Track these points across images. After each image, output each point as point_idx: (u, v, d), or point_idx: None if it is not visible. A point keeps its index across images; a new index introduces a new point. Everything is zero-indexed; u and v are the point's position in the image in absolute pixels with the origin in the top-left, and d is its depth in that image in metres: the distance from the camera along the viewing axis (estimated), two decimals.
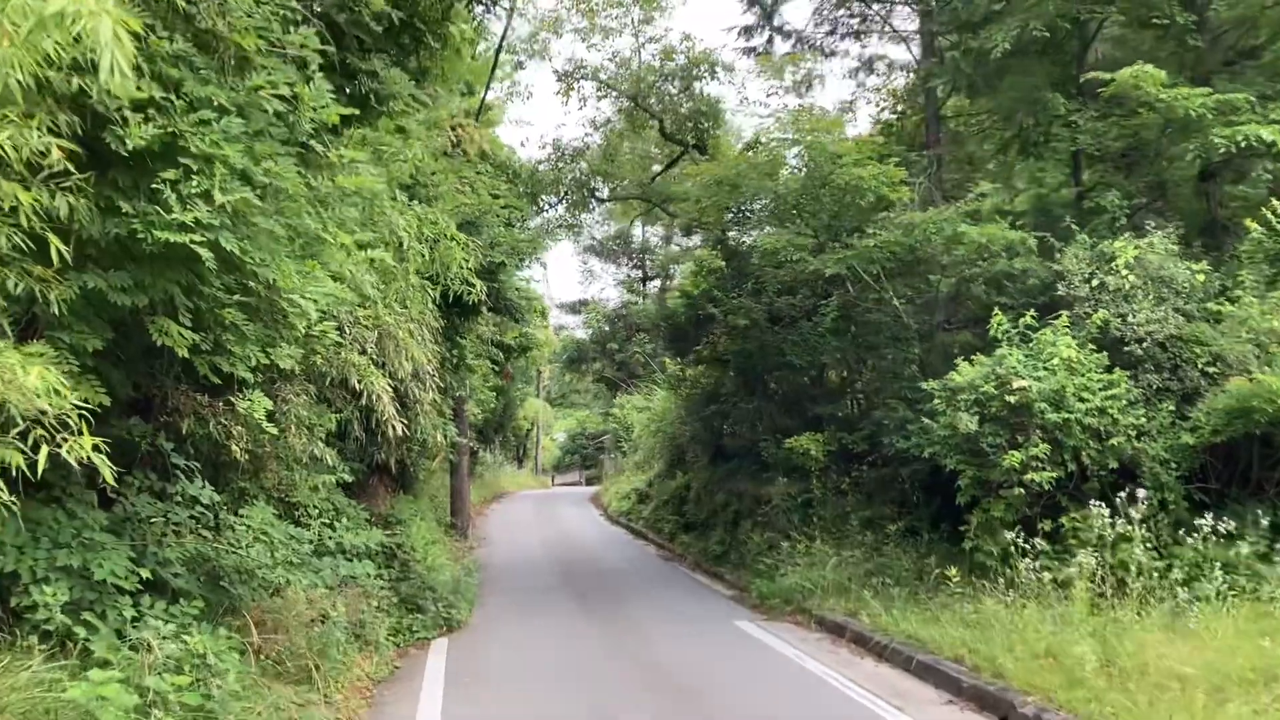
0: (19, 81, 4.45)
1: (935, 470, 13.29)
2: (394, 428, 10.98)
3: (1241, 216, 14.76)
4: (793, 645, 11.65)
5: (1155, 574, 9.61)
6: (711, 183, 17.71)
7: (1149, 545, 9.95)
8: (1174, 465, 11.37)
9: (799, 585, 13.80)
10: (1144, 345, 11.93)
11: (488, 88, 20.95)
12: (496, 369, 24.41)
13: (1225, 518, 9.80)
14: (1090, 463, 11.36)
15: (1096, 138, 14.39)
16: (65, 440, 5.10)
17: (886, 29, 19.73)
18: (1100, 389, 11.52)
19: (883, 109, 21.70)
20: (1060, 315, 12.23)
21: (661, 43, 24.17)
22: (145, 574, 7.22)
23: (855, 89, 28.45)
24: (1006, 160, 17.59)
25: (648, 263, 46.58)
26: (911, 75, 20.29)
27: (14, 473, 5.15)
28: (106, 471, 5.18)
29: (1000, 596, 10.40)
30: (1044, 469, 11.17)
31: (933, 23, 17.14)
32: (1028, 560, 10.31)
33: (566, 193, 24.52)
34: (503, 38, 20.94)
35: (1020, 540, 10.50)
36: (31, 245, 5.63)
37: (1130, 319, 12.06)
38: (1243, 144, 12.34)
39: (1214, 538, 9.76)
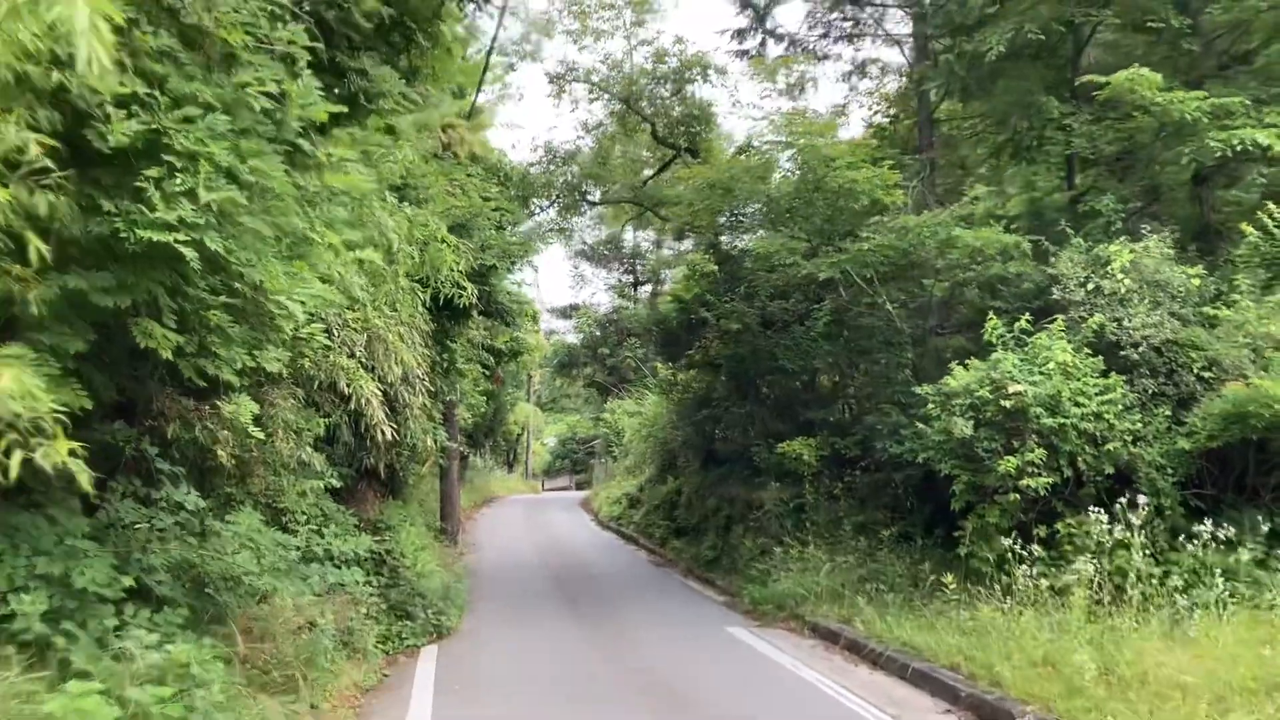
0: None
1: (928, 475, 13.20)
2: (383, 432, 10.83)
3: (1234, 221, 14.73)
4: (786, 652, 11.53)
5: (1154, 581, 9.52)
6: (704, 186, 17.61)
7: (1146, 552, 9.85)
8: (1170, 471, 11.29)
9: (792, 591, 13.67)
10: (1140, 350, 11.85)
11: (479, 89, 20.80)
12: (487, 373, 24.25)
13: (1224, 524, 9.70)
14: (1086, 468, 11.28)
15: (1091, 141, 14.33)
16: (40, 445, 4.94)
17: (879, 32, 19.68)
18: (1096, 394, 11.44)
19: (875, 112, 21.64)
20: (1056, 319, 12.15)
21: (654, 45, 24.14)
22: (128, 582, 7.05)
23: (848, 92, 28.48)
24: (999, 164, 17.53)
25: (639, 267, 46.47)
26: (904, 79, 20.22)
27: None
28: (84, 477, 5.03)
29: (997, 603, 10.30)
30: (1040, 474, 11.08)
31: (926, 25, 17.08)
32: (1024, 567, 10.20)
33: (558, 196, 24.40)
34: (494, 38, 20.87)
35: (1016, 546, 10.39)
36: (10, 244, 5.49)
37: (1126, 323, 11.98)
38: (1238, 148, 12.29)
39: (1213, 544, 9.66)
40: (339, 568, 10.39)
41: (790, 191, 16.39)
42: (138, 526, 7.99)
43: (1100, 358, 11.78)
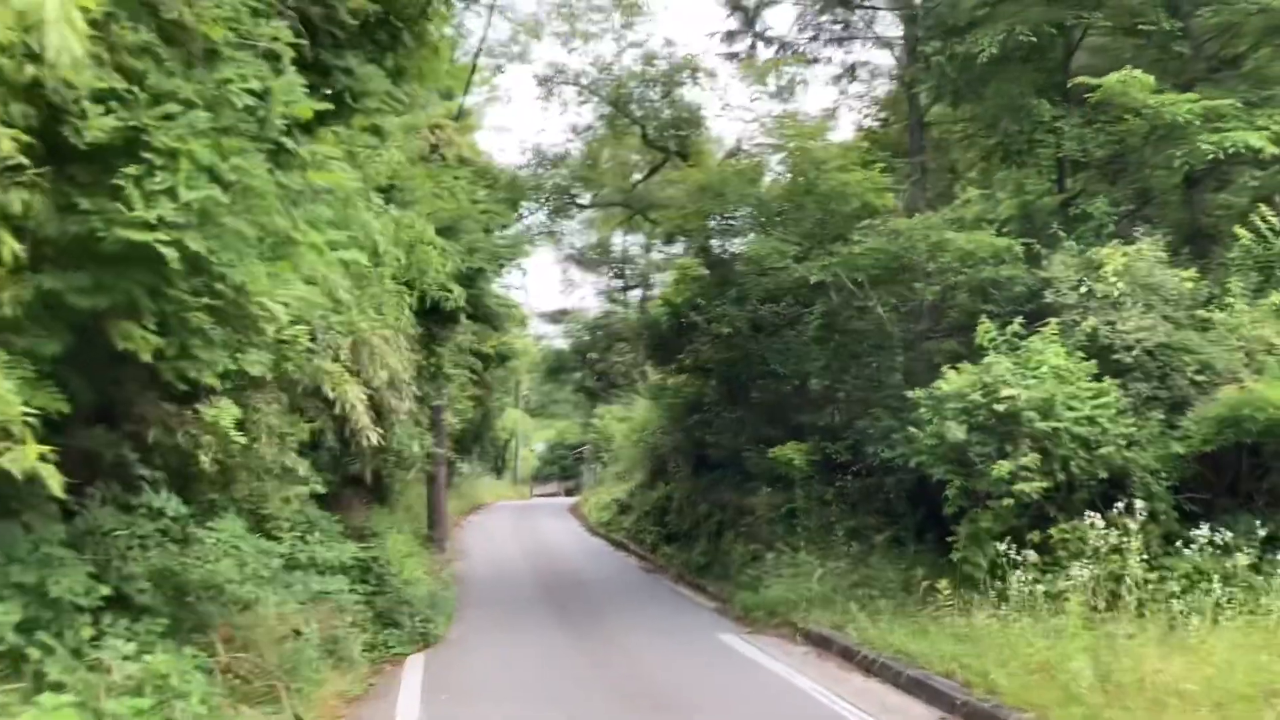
0: None
1: (920, 480, 13.11)
2: (368, 438, 10.68)
3: (1225, 225, 14.71)
4: (778, 659, 11.39)
5: (1149, 586, 9.42)
6: (694, 189, 17.51)
7: (1141, 557, 9.75)
8: (1164, 475, 11.22)
9: (784, 597, 13.54)
10: (1133, 353, 11.78)
11: (466, 91, 20.67)
12: (475, 378, 24.09)
13: (1221, 529, 9.61)
14: (1080, 473, 11.18)
15: (1081, 144, 14.26)
16: (8, 450, 4.77)
17: (870, 35, 19.62)
18: (1089, 397, 11.35)
19: (866, 116, 21.60)
20: (1049, 323, 12.06)
21: (643, 48, 24.03)
22: (105, 590, 6.88)
23: (838, 96, 28.32)
24: (990, 168, 17.47)
25: (628, 272, 46.32)
26: (894, 82, 20.16)
27: None
28: (54, 482, 4.89)
29: (991, 610, 10.18)
30: (1033, 479, 10.97)
31: (917, 28, 17.01)
32: (1019, 573, 10.08)
33: (547, 199, 24.28)
34: (482, 40, 20.73)
35: (1011, 552, 10.27)
36: None
37: (1119, 326, 11.90)
38: (1230, 150, 12.23)
39: (1210, 549, 9.56)
40: (323, 576, 10.22)
41: (781, 194, 16.29)
42: (117, 534, 7.83)
43: (1093, 361, 11.69)
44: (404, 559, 14.21)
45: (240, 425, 8.43)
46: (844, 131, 22.79)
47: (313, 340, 8.91)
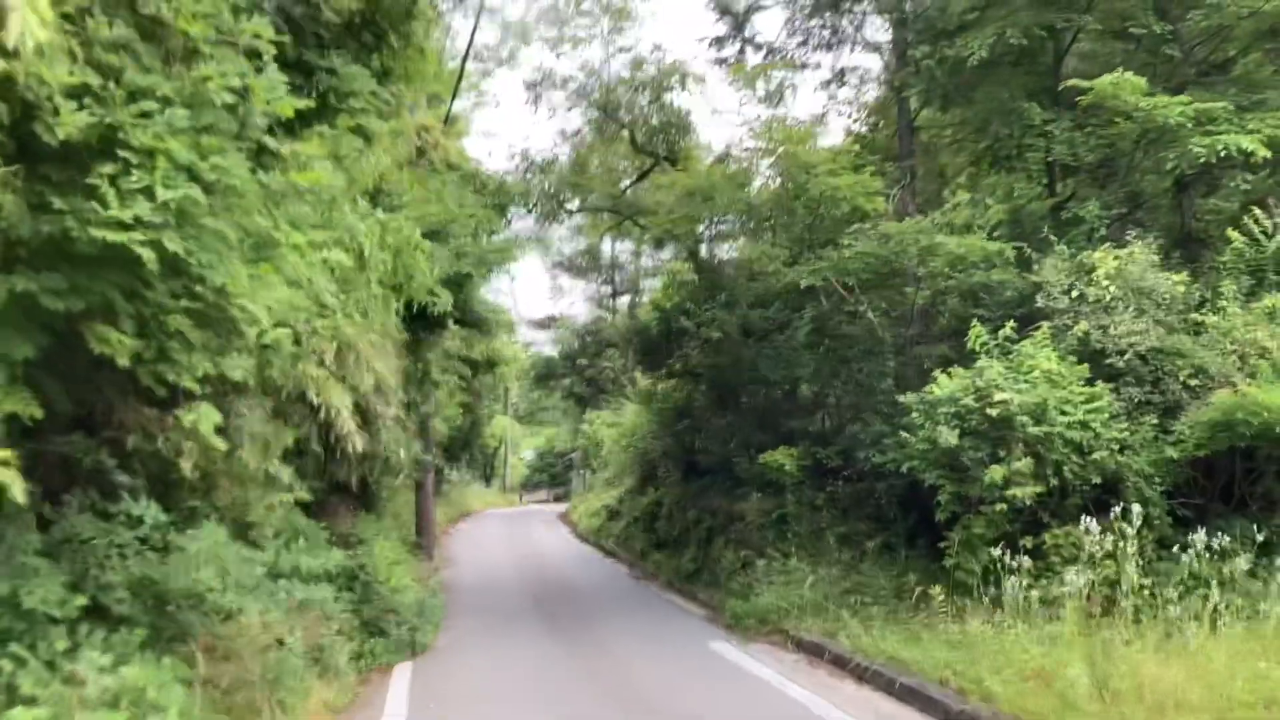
0: None
1: (911, 485, 13.03)
2: (354, 444, 10.51)
3: (1214, 229, 14.68)
4: (770, 667, 11.25)
5: (1145, 592, 9.32)
6: (683, 193, 17.40)
7: (1136, 563, 9.66)
8: (1158, 480, 11.15)
9: (775, 605, 13.40)
10: (1125, 357, 11.71)
11: (455, 96, 20.52)
12: (464, 385, 23.92)
13: (1220, 533, 9.51)
14: (1073, 478, 11.10)
15: (1072, 148, 14.19)
16: None
17: (859, 39, 19.54)
18: (1082, 402, 11.27)
19: (855, 120, 21.55)
20: (1040, 327, 11.99)
21: (632, 53, 23.96)
22: (81, 601, 6.70)
23: (827, 101, 28.24)
24: (979, 172, 17.41)
25: (617, 278, 46.24)
26: (884, 87, 20.11)
27: None
28: (17, 489, 4.71)
29: (984, 616, 10.06)
30: (1026, 484, 10.88)
31: (906, 31, 16.94)
32: (1013, 579, 9.97)
33: (535, 204, 24.14)
34: (470, 43, 20.58)
35: (1005, 558, 10.16)
36: None
37: (1111, 330, 11.83)
38: (1222, 153, 12.17)
39: (1207, 554, 9.46)
40: (307, 584, 10.05)
41: (770, 199, 16.20)
42: (95, 542, 7.64)
43: (1086, 366, 11.61)
44: (391, 567, 14.03)
45: (222, 431, 8.23)
46: (833, 136, 22.75)
47: (297, 345, 8.73)
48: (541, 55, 72.58)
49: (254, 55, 6.65)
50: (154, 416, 8.15)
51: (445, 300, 12.80)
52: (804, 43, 19.90)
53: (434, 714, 9.63)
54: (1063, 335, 11.97)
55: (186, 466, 8.16)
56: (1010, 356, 11.81)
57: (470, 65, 22.38)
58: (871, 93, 21.51)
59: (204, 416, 7.10)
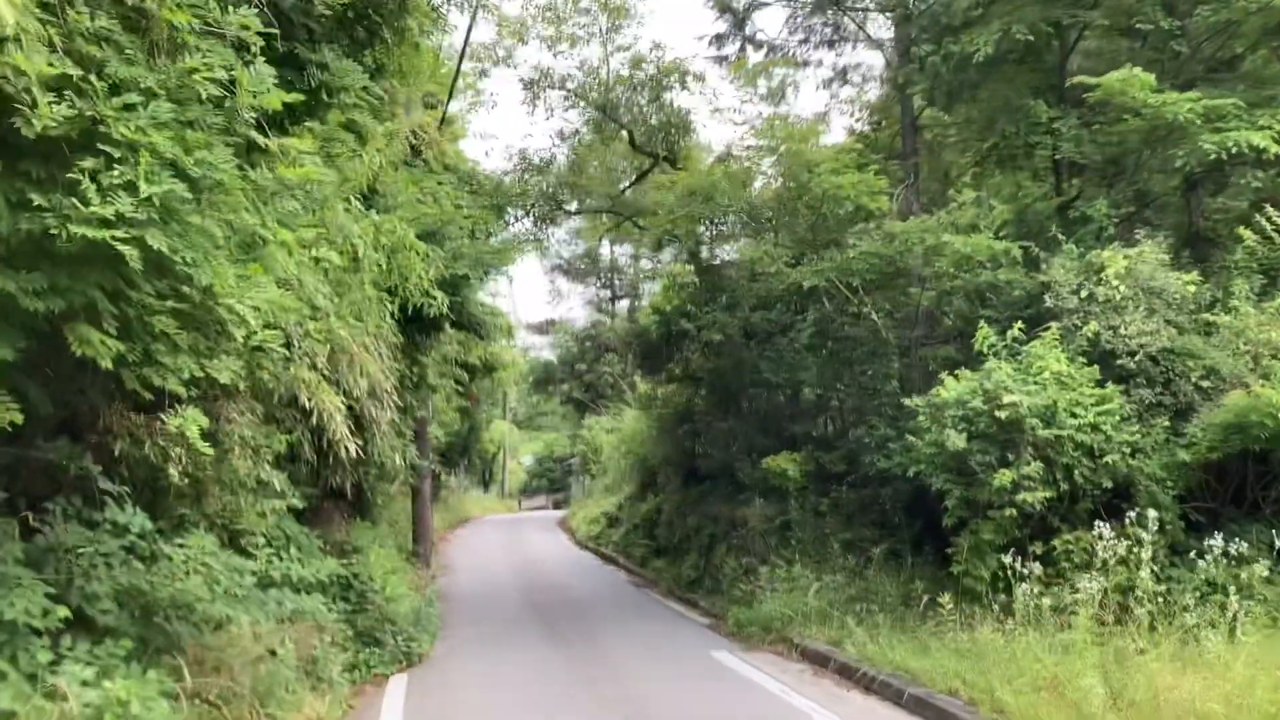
0: None
1: (917, 490, 12.81)
2: (348, 449, 10.26)
3: (1223, 228, 14.47)
4: (774, 677, 11.01)
5: (1160, 599, 9.09)
6: (684, 193, 17.18)
7: (1151, 568, 9.43)
8: (1170, 484, 10.90)
9: (779, 612, 13.16)
10: (1136, 358, 11.47)
11: (450, 95, 20.30)
12: (461, 390, 23.68)
13: (1235, 538, 9.28)
14: (1083, 482, 10.87)
15: (1079, 146, 13.97)
16: None
17: (861, 37, 19.34)
18: (1092, 404, 11.04)
19: (858, 119, 21.34)
20: (1050, 327, 11.76)
21: (630, 51, 23.70)
22: (64, 612, 6.46)
23: (829, 100, 28.07)
24: (984, 171, 17.20)
25: (617, 282, 46.09)
26: (886, 85, 19.92)
27: None
28: None
29: (994, 624, 9.82)
30: (1036, 489, 10.66)
31: (910, 28, 16.73)
32: (1024, 585, 9.73)
33: (533, 205, 23.92)
34: (466, 41, 20.36)
35: (1015, 564, 9.92)
36: None
37: (1121, 331, 11.60)
38: (1233, 150, 11.95)
39: (1223, 560, 9.23)
40: (299, 594, 9.80)
41: (772, 198, 15.98)
42: (80, 551, 7.41)
43: (1095, 367, 11.39)
44: (387, 575, 13.78)
45: (212, 436, 8.00)
46: (835, 135, 22.56)
47: (288, 348, 8.49)
48: (539, 54, 72.52)
49: (242, 48, 6.43)
50: (141, 421, 7.92)
51: (441, 302, 12.59)
52: (805, 40, 19.75)
53: None
54: (1072, 336, 11.75)
55: (174, 473, 7.92)
56: (1019, 358, 11.58)
57: (467, 65, 22.18)
58: (874, 91, 21.37)
59: (190, 421, 6.87)
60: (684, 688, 10.74)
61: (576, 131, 25.33)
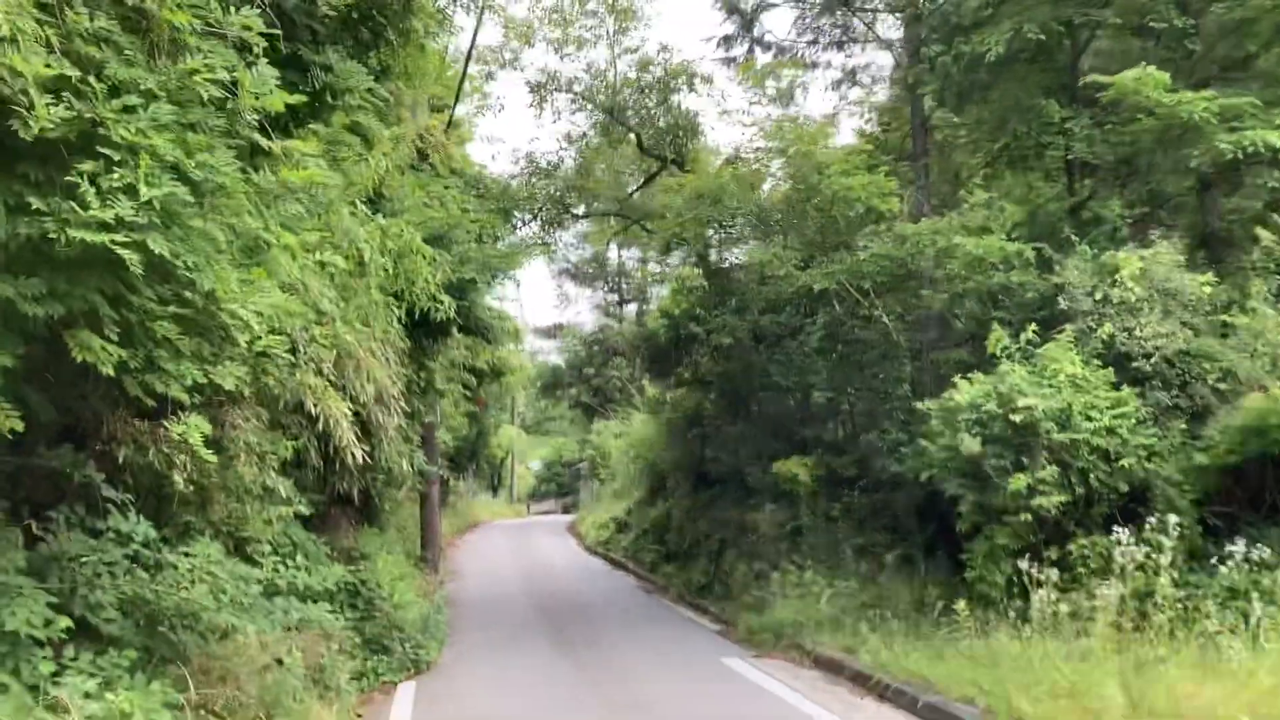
0: None
1: (929, 495, 12.65)
2: (354, 455, 10.16)
3: (1238, 228, 14.30)
4: (787, 684, 10.86)
5: (1180, 605, 8.93)
6: (692, 196, 17.06)
7: (1170, 574, 9.27)
8: (1187, 488, 10.72)
9: (791, 619, 13.03)
10: (1151, 361, 11.32)
11: (457, 99, 20.22)
12: (469, 394, 23.57)
13: (1257, 544, 9.12)
14: (1099, 486, 10.71)
15: (1092, 146, 13.82)
16: None
17: (871, 37, 19.19)
18: (1108, 407, 10.88)
19: (867, 120, 21.19)
20: (1064, 330, 11.61)
21: (638, 53, 23.62)
22: (66, 622, 6.36)
23: (838, 101, 27.93)
24: (995, 173, 17.04)
25: (624, 285, 45.99)
26: (896, 87, 19.78)
27: None
28: None
29: (1010, 630, 9.67)
30: (1051, 493, 10.50)
31: (920, 28, 16.59)
32: (1041, 591, 9.58)
33: (541, 209, 23.82)
34: (472, 44, 20.28)
35: (1032, 569, 9.77)
36: None
37: (1136, 333, 11.45)
38: (1249, 149, 11.80)
39: (1244, 565, 9.07)
40: (305, 603, 9.70)
41: (781, 200, 15.85)
42: (84, 559, 7.32)
43: (1110, 370, 11.24)
44: (395, 581, 13.68)
45: (216, 443, 7.92)
46: (844, 137, 22.42)
47: (294, 353, 8.39)
48: (546, 57, 72.57)
49: (244, 49, 6.34)
50: (145, 428, 7.82)
51: (449, 307, 12.48)
52: (814, 41, 19.60)
53: None
54: (1087, 338, 11.60)
55: (179, 480, 7.82)
56: (1033, 361, 11.43)
57: (473, 68, 22.10)
58: (883, 93, 21.22)
59: (194, 428, 6.77)
60: (695, 694, 10.61)
61: (584, 135, 25.26)
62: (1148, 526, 9.58)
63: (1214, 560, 9.51)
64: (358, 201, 10.08)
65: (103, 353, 5.79)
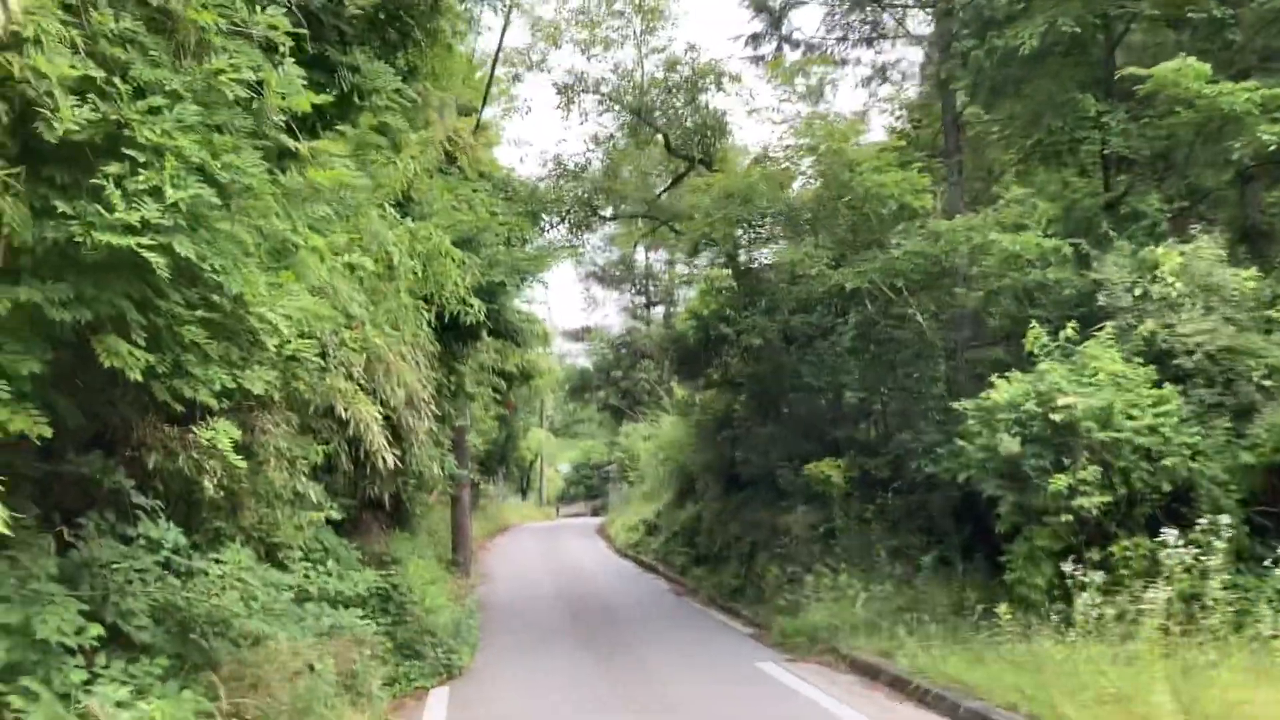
0: None
1: (966, 496, 12.43)
2: (385, 459, 10.09)
3: (1279, 222, 14.00)
4: (823, 690, 10.69)
5: (1229, 608, 8.69)
6: (721, 196, 16.91)
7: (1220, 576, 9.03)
8: (1233, 487, 10.46)
9: (826, 622, 12.85)
10: (1194, 357, 11.06)
11: (485, 102, 20.17)
12: (499, 398, 23.52)
13: None
14: (1142, 486, 10.47)
15: (1129, 140, 13.55)
16: None
17: (900, 33, 18.99)
18: (1150, 405, 10.64)
19: (898, 117, 20.94)
20: (1104, 327, 11.38)
21: (665, 53, 23.52)
22: (97, 630, 6.30)
23: (868, 98, 27.72)
24: (1028, 169, 16.77)
25: (651, 288, 45.87)
26: (926, 83, 19.55)
27: None
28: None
29: (1053, 634, 9.45)
30: (1093, 493, 10.27)
31: (952, 22, 16.36)
32: (1085, 594, 9.35)
33: (569, 211, 23.75)
34: (499, 45, 20.25)
35: (1077, 572, 9.55)
36: None
37: (1178, 329, 11.20)
38: None
39: None
40: (336, 609, 9.64)
41: (812, 199, 15.67)
42: (115, 566, 7.27)
43: (1152, 367, 10.99)
44: (426, 586, 13.64)
45: (246, 448, 7.85)
46: (875, 135, 22.17)
47: (323, 357, 8.33)
48: (573, 58, 72.61)
49: (270, 49, 6.27)
50: (174, 434, 7.78)
51: (478, 310, 12.39)
52: (843, 38, 19.41)
53: None
54: (1126, 335, 11.35)
55: (209, 486, 7.77)
56: (1072, 359, 11.20)
57: (500, 70, 22.06)
58: (914, 89, 20.99)
59: (222, 433, 6.71)
60: (730, 699, 10.47)
61: (611, 136, 25.15)
62: (1196, 527, 9.32)
63: (1267, 562, 9.24)
64: (386, 204, 10.02)
65: (130, 358, 5.71)
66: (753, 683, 11.40)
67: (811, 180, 16.22)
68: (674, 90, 23.26)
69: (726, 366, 19.18)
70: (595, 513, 50.88)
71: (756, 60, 20.87)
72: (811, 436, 17.44)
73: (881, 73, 20.35)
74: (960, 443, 11.56)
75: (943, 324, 15.32)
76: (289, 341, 6.67)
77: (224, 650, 7.88)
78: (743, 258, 19.24)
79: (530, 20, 23.75)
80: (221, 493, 8.12)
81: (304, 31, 6.64)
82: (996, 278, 13.53)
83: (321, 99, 6.32)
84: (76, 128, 5.03)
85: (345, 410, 9.35)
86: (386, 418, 10.62)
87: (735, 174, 18.77)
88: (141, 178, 5.24)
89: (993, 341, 14.67)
